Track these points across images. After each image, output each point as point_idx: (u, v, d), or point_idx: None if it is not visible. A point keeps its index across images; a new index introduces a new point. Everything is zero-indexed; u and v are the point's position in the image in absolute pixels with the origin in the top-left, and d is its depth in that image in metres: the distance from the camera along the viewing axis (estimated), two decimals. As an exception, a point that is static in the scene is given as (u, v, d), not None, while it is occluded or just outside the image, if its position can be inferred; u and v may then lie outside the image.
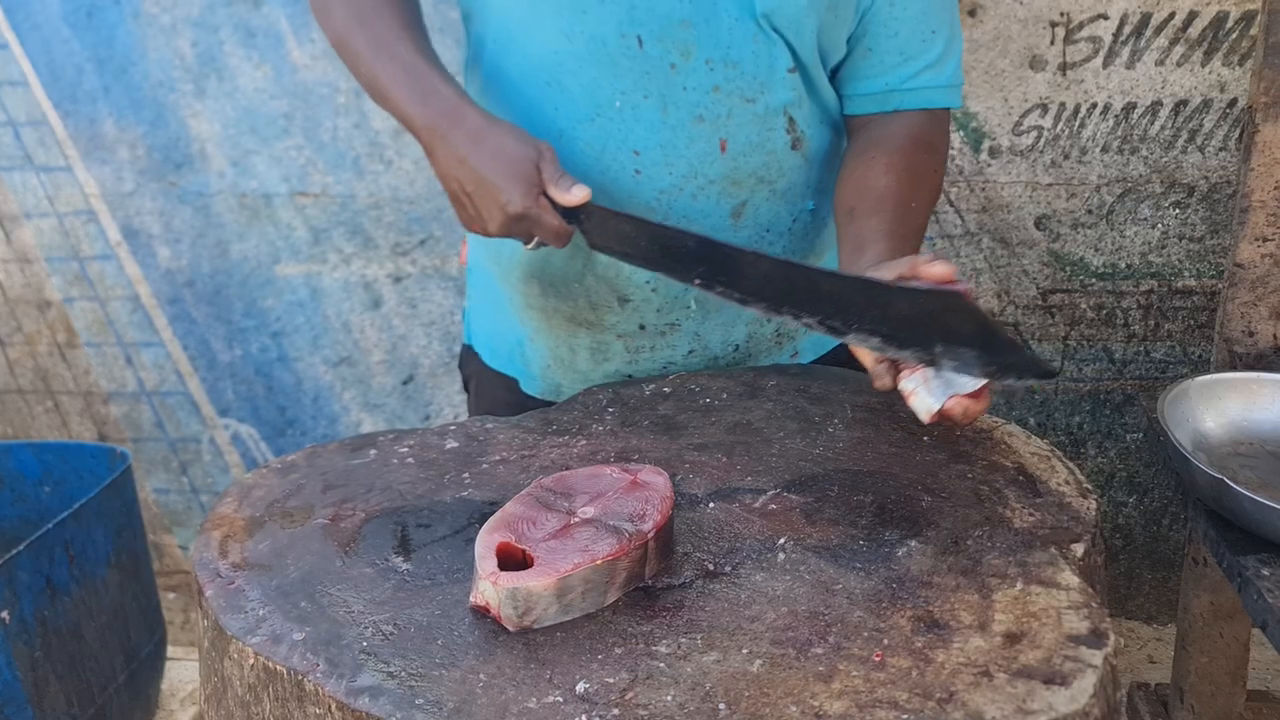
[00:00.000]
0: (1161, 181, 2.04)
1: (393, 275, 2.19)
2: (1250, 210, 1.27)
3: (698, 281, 1.03)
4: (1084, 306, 2.13)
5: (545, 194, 1.02)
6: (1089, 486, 0.98)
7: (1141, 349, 2.13)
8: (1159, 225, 2.07)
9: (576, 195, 1.01)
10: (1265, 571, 0.97)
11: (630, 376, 1.24)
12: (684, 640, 0.80)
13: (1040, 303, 2.14)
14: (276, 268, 2.20)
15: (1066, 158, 2.04)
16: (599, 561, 0.81)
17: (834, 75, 1.16)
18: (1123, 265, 2.10)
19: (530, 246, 1.07)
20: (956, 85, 1.16)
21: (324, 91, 2.06)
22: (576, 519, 0.87)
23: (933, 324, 0.94)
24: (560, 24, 1.06)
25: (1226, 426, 1.13)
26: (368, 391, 2.26)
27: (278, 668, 0.79)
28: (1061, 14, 1.95)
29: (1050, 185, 2.06)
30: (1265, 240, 1.27)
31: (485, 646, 0.79)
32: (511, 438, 1.11)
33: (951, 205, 2.08)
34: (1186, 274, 2.08)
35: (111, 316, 2.27)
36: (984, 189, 2.07)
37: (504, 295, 1.28)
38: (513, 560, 0.83)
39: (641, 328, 1.21)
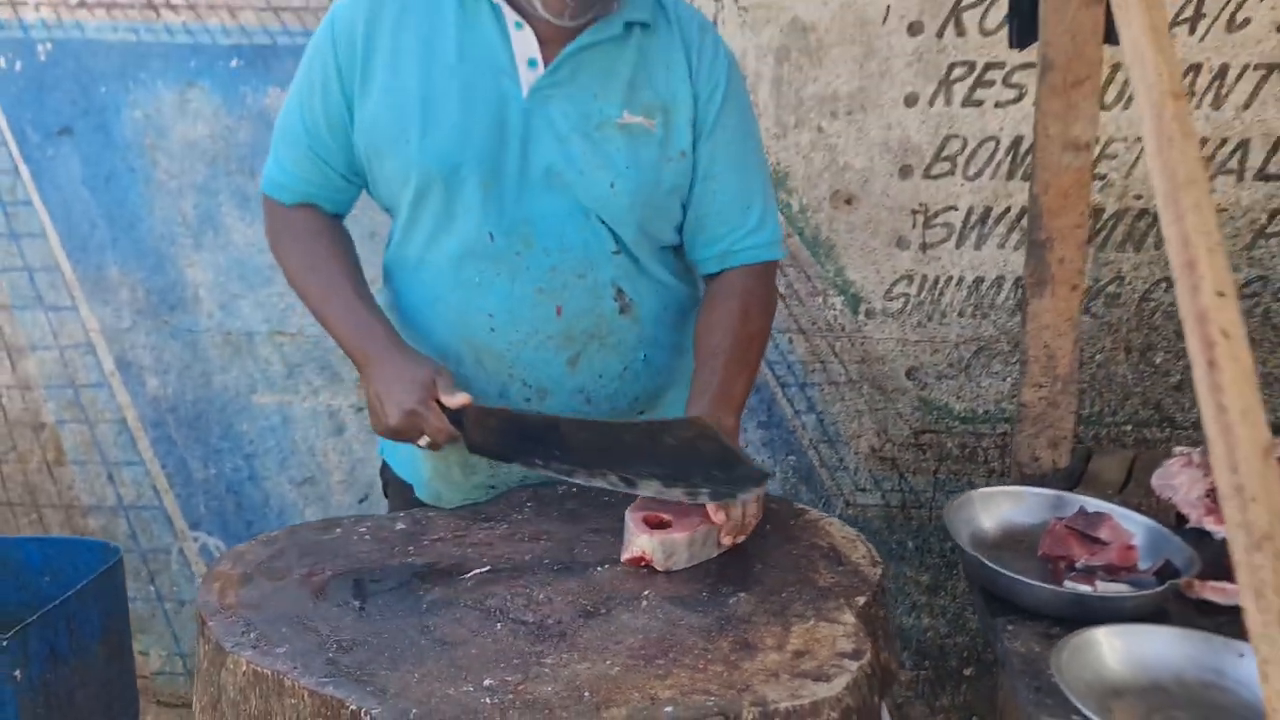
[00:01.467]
0: (1008, 341, 2.44)
1: (355, 405, 2.50)
2: (1028, 363, 1.64)
3: (538, 462, 1.37)
4: (950, 445, 2.50)
5: (437, 401, 1.33)
6: (879, 559, 1.31)
7: (1000, 482, 2.48)
8: (1008, 378, 2.46)
9: (458, 399, 1.33)
10: (1010, 626, 1.29)
11: (493, 488, 1.54)
12: (564, 655, 1.10)
13: (913, 441, 2.50)
14: (253, 397, 2.51)
15: (930, 319, 2.44)
16: (703, 526, 1.27)
17: (686, 250, 1.52)
18: (980, 411, 2.48)
19: (421, 444, 1.37)
20: (776, 241, 1.51)
21: (305, 248, 2.42)
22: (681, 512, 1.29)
23: (691, 453, 1.26)
24: (430, 226, 1.42)
25: (999, 526, 1.47)
26: (328, 508, 2.54)
27: (264, 671, 1.07)
28: (920, 204, 2.39)
29: (917, 342, 2.46)
30: (1040, 386, 1.64)
31: (419, 657, 1.09)
32: (448, 523, 1.42)
33: (836, 357, 2.46)
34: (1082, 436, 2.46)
35: (99, 438, 2.55)
36: (862, 344, 2.46)
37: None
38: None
39: None
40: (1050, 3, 1.53)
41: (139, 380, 2.51)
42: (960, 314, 2.44)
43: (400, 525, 1.41)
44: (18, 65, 2.34)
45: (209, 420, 2.53)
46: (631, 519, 1.29)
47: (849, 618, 1.17)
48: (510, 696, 1.02)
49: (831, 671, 1.06)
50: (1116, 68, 2.22)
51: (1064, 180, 1.57)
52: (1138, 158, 2.31)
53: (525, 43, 1.37)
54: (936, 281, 2.43)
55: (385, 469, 1.67)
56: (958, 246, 2.40)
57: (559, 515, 1.44)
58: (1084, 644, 1.16)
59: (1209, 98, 2.25)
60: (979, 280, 2.42)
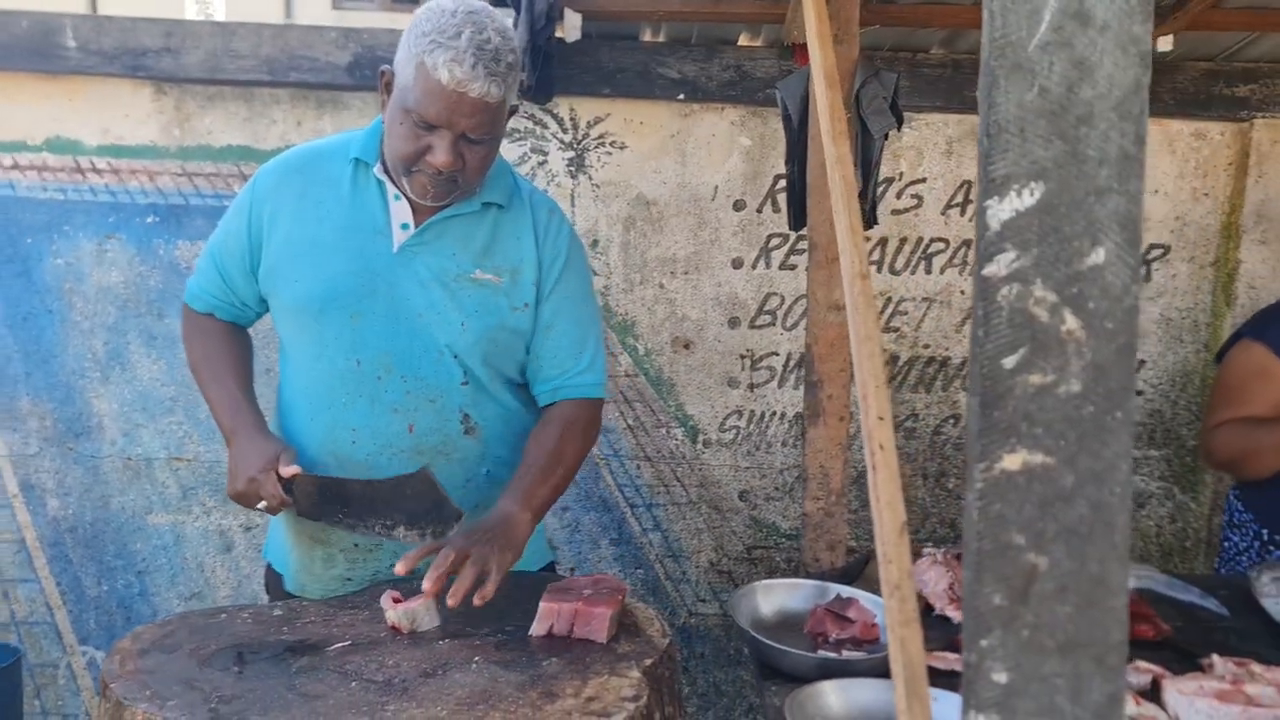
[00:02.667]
0: (800, 476, 2.83)
1: (243, 525, 2.75)
2: (808, 480, 2.02)
3: (338, 519, 1.68)
4: (778, 559, 2.85)
5: (276, 471, 1.61)
6: (668, 632, 1.63)
7: (822, 593, 2.83)
8: (826, 499, 2.84)
9: (288, 470, 1.61)
10: (773, 687, 1.61)
11: (349, 580, 1.82)
12: (404, 704, 1.39)
13: (746, 555, 2.85)
14: (149, 517, 2.73)
15: (758, 449, 2.83)
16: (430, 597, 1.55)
17: (529, 385, 1.87)
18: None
19: (259, 508, 1.64)
20: (599, 383, 1.83)
21: (205, 382, 2.71)
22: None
23: (413, 498, 1.61)
24: (310, 350, 1.74)
25: (776, 611, 1.81)
26: (213, 622, 2.74)
27: (158, 718, 1.33)
28: (748, 350, 2.80)
29: (748, 468, 2.83)
30: (818, 499, 2.01)
31: (285, 707, 1.36)
32: (319, 609, 1.70)
33: (678, 481, 2.82)
34: (856, 538, 2.83)
35: (-2, 556, 2.74)
36: (700, 470, 2.82)
37: (279, 522, 1.87)
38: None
39: (356, 545, 1.80)
40: (813, 198, 1.97)
41: (41, 502, 2.72)
42: (784, 444, 2.83)
43: (277, 611, 1.68)
44: (-50, 217, 2.62)
45: (105, 540, 2.74)
46: (385, 599, 1.61)
47: (636, 674, 1.49)
48: (356, 732, 1.30)
49: (613, 710, 1.37)
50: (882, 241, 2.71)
51: (829, 334, 1.98)
52: (924, 314, 2.78)
53: (401, 211, 1.71)
54: (763, 416, 2.82)
55: (268, 569, 1.94)
56: (780, 386, 2.81)
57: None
58: (814, 693, 1.49)
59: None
60: (799, 415, 2.82)
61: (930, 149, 2.73)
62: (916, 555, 2.02)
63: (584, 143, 2.68)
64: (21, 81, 2.59)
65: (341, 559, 1.79)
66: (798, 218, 2.07)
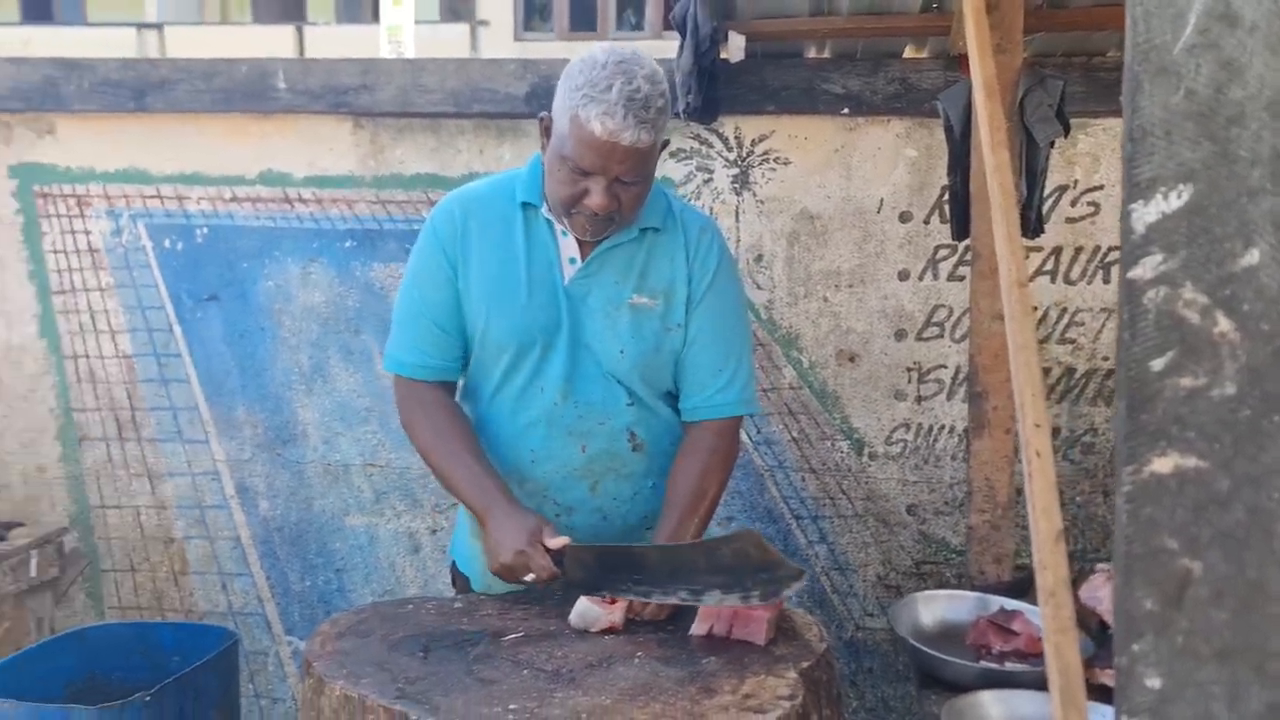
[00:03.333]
0: (966, 488, 2.77)
1: (431, 528, 2.94)
2: (973, 493, 2.00)
3: (623, 588, 1.67)
4: (948, 575, 2.81)
5: (542, 543, 1.66)
6: (824, 637, 1.66)
7: (995, 611, 2.77)
8: (999, 515, 2.78)
9: (559, 541, 1.66)
10: (932, 696, 1.61)
11: (530, 587, 1.88)
12: (571, 692, 1.48)
13: (914, 570, 2.82)
14: (346, 519, 2.96)
15: (926, 462, 2.80)
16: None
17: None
18: (975, 545, 2.80)
19: (528, 580, 1.68)
20: (741, 401, 1.85)
21: (396, 394, 2.92)
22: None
23: (741, 561, 1.63)
24: (496, 380, 1.84)
25: (937, 622, 1.80)
26: (402, 618, 2.94)
27: (352, 694, 1.47)
28: (915, 362, 2.79)
29: (915, 482, 2.81)
30: (983, 512, 1.99)
31: (464, 689, 1.48)
32: (494, 604, 1.81)
33: (844, 494, 2.83)
34: (1023, 554, 2.76)
35: (217, 552, 3.02)
36: (866, 483, 2.82)
37: (465, 526, 1.98)
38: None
39: None
40: (976, 208, 1.96)
41: (253, 503, 2.99)
42: (953, 458, 2.79)
43: (458, 604, 1.81)
44: (179, 245, 2.93)
45: (308, 539, 2.98)
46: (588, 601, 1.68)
47: (792, 674, 1.53)
48: (527, 716, 1.40)
49: (769, 708, 1.42)
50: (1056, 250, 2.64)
51: (994, 344, 1.96)
52: (1102, 325, 2.69)
53: (569, 246, 1.81)
54: (931, 429, 2.79)
55: (453, 568, 2.07)
56: (949, 399, 2.78)
57: (582, 602, 1.83)
58: (974, 702, 1.49)
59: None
60: (969, 429, 2.78)
61: (1107, 154, 2.65)
62: (1090, 572, 1.97)
63: (748, 160, 2.74)
64: (239, 122, 2.87)
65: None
66: (960, 228, 2.06)
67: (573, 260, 1.81)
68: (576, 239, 1.80)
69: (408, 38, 2.86)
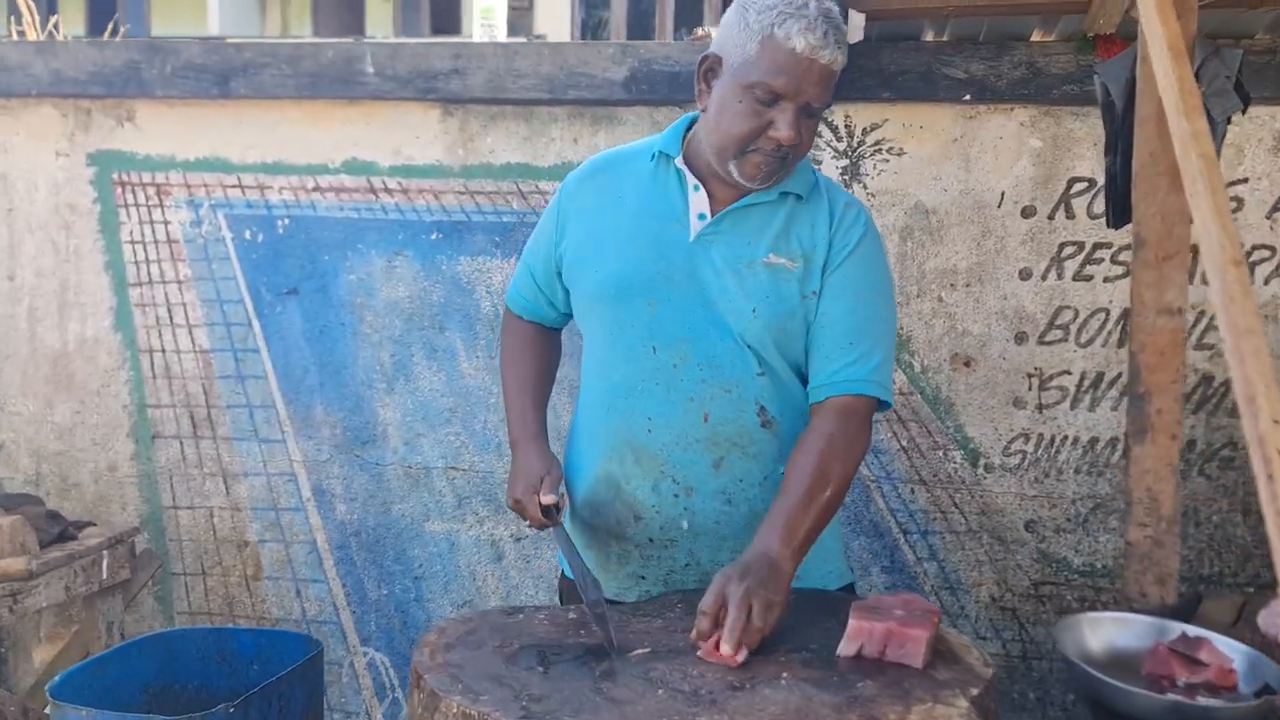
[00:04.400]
0: (1124, 499, 2.57)
1: (514, 535, 2.79)
2: (1133, 505, 1.81)
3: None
4: (1069, 598, 2.61)
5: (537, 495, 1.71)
6: (989, 661, 1.48)
7: (1121, 637, 2.57)
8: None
9: (547, 499, 1.70)
10: (1114, 730, 1.43)
11: (643, 578, 1.77)
12: (715, 715, 1.31)
13: (1033, 592, 2.63)
14: (426, 525, 2.83)
15: (1047, 476, 2.61)
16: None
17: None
18: (1099, 565, 2.60)
19: (526, 527, 1.79)
20: (872, 381, 1.66)
21: (480, 394, 2.78)
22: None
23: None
24: (607, 339, 1.73)
25: (1105, 648, 1.61)
26: (483, 630, 2.79)
27: (472, 712, 1.32)
28: (1036, 368, 2.60)
29: (1035, 497, 2.62)
30: (1144, 526, 1.80)
31: (595, 710, 1.32)
32: (615, 614, 1.66)
33: (956, 508, 2.64)
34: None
35: (292, 557, 2.90)
36: (981, 496, 2.63)
37: (575, 520, 1.85)
38: None
39: (650, 540, 1.75)
40: (1141, 189, 1.78)
41: (330, 506, 2.86)
42: (1076, 471, 2.60)
43: (572, 614, 1.66)
44: (260, 237, 2.83)
45: (386, 545, 2.85)
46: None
47: (963, 703, 1.35)
48: (671, 740, 1.24)
49: (946, 739, 1.24)
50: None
51: (1159, 340, 1.78)
52: (1244, 330, 2.48)
53: (699, 201, 1.70)
54: (1053, 440, 2.60)
55: (564, 581, 1.92)
56: (1072, 408, 2.59)
57: (706, 615, 1.66)
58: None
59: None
60: (1094, 440, 2.59)
61: (1253, 145, 2.45)
62: (1269, 597, 1.77)
63: (859, 150, 2.58)
64: (324, 108, 2.76)
65: (636, 555, 1.77)
66: (1119, 214, 1.88)
67: (702, 216, 1.70)
68: (711, 195, 1.70)
69: (500, 20, 2.75)
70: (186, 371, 2.90)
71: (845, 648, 1.49)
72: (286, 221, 2.81)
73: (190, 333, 2.89)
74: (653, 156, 1.74)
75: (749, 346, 1.68)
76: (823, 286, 1.68)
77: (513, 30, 13.88)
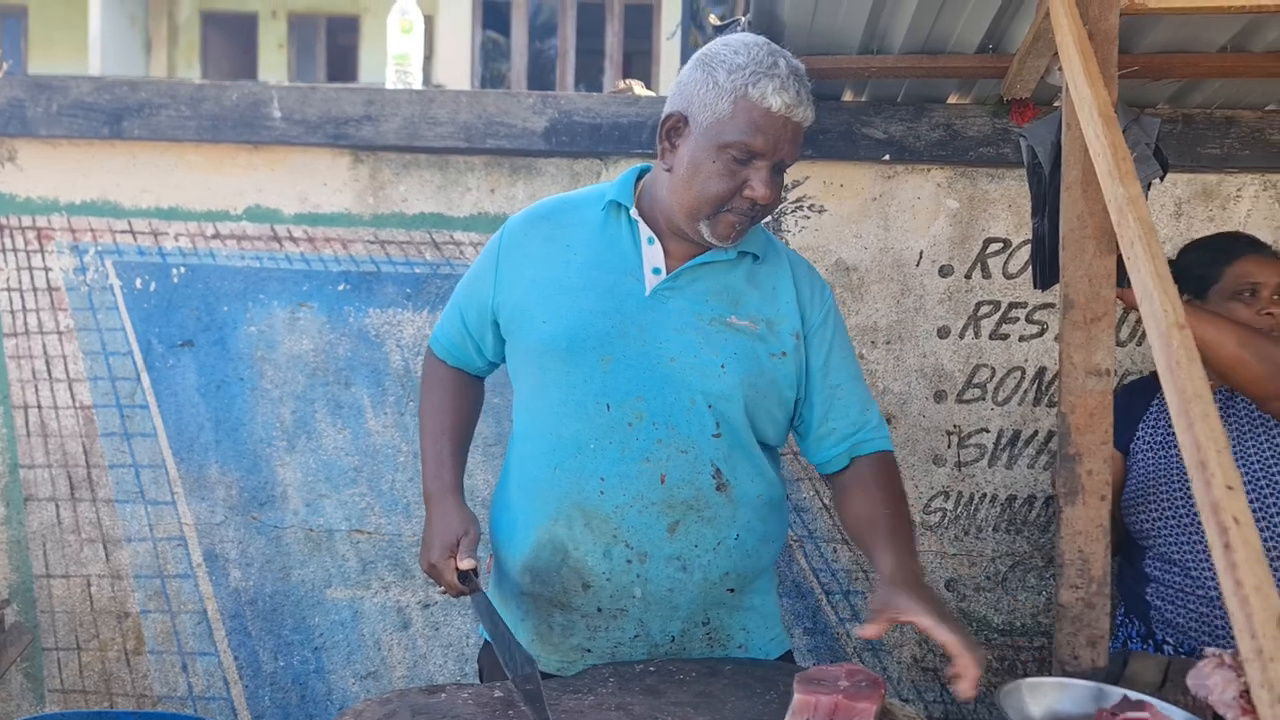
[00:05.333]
0: (1042, 557, 2.59)
1: (423, 603, 2.65)
2: (1064, 567, 1.80)
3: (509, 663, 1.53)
4: (990, 658, 2.59)
5: (454, 560, 1.62)
6: (937, 733, 1.43)
7: (1040, 696, 2.56)
8: (1043, 592, 2.59)
9: (463, 564, 1.61)
10: (1064, 803, 1.39)
11: (589, 650, 1.68)
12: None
13: (954, 652, 2.60)
14: (327, 591, 2.66)
15: (966, 534, 2.61)
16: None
17: (809, 452, 1.74)
18: (1018, 624, 2.59)
19: (439, 593, 1.68)
20: (889, 437, 1.75)
21: (388, 452, 2.65)
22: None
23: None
24: (556, 396, 1.64)
25: (1046, 714, 1.58)
26: (388, 703, 2.63)
27: (395, 809, 1.20)
28: (955, 425, 2.61)
29: (954, 555, 2.61)
30: (1076, 588, 1.79)
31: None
32: (545, 692, 1.55)
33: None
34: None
35: (179, 628, 2.69)
36: (903, 555, 2.61)
37: (509, 587, 1.75)
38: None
39: (599, 610, 1.67)
40: (1069, 252, 1.79)
41: (223, 572, 2.68)
42: (995, 529, 2.60)
43: (498, 693, 1.55)
44: (152, 285, 2.66)
45: (284, 613, 2.67)
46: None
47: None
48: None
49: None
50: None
51: (1089, 402, 1.78)
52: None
53: (654, 255, 1.65)
54: (972, 498, 2.61)
55: (485, 649, 1.80)
56: (990, 465, 2.60)
57: (640, 689, 1.57)
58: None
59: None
60: (1012, 498, 2.60)
61: (1156, 210, 2.53)
62: (1199, 656, 1.77)
63: (782, 206, 2.57)
64: (226, 152, 2.63)
65: (582, 625, 1.67)
66: (1045, 275, 1.90)
67: (657, 270, 1.65)
68: (666, 250, 1.66)
69: (416, 67, 2.66)
70: (65, 429, 2.69)
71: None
72: (182, 270, 2.65)
73: (70, 387, 2.69)
74: (604, 206, 1.69)
75: (709, 406, 1.63)
76: (812, 353, 1.70)
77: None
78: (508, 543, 1.73)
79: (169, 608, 2.70)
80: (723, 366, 1.62)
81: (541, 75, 12.77)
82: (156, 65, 15.08)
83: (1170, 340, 1.31)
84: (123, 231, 2.66)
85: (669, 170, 1.62)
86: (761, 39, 1.60)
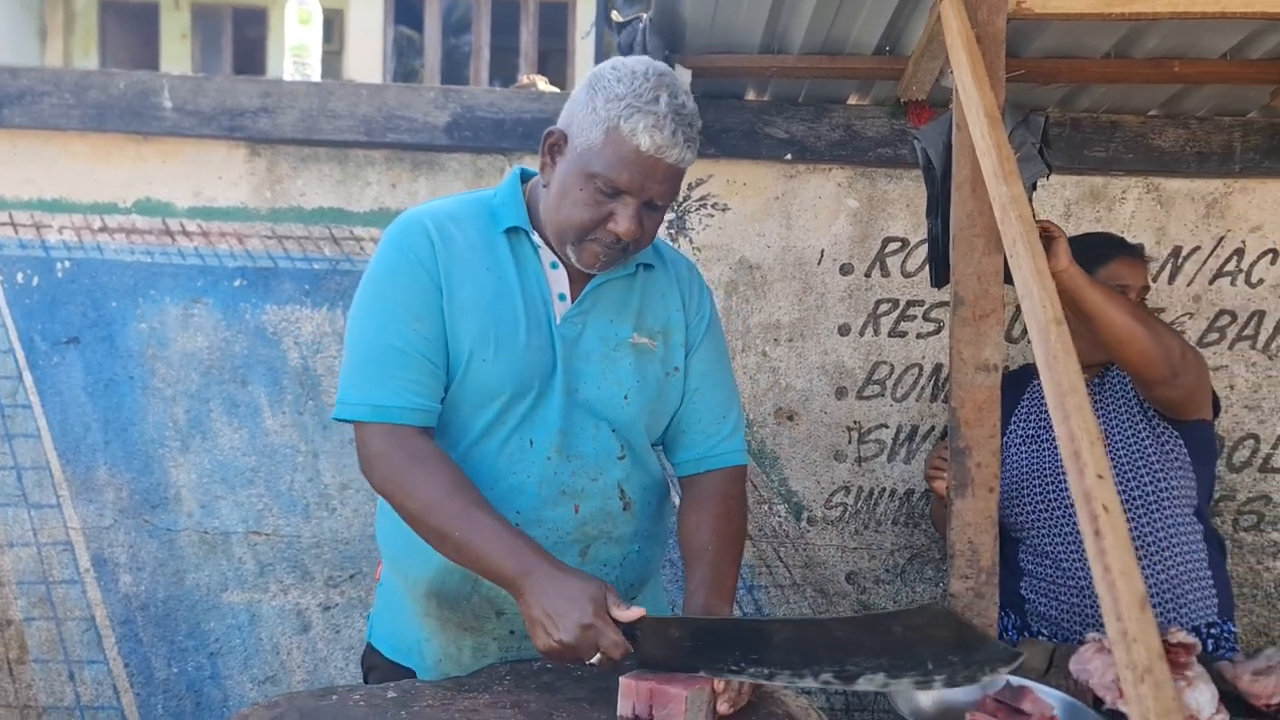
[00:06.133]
0: (939, 550, 2.64)
1: (323, 604, 2.60)
2: (955, 558, 1.84)
3: (733, 668, 1.37)
4: (889, 648, 2.64)
5: (610, 614, 1.38)
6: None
7: (937, 685, 2.62)
8: (940, 584, 2.65)
9: (633, 613, 1.38)
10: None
11: (505, 660, 1.65)
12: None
13: (855, 644, 2.65)
14: (223, 595, 2.59)
15: (866, 527, 2.65)
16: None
17: (665, 450, 1.75)
18: (916, 615, 2.65)
19: (593, 661, 1.38)
20: (744, 448, 1.74)
21: (286, 452, 2.59)
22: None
23: (921, 639, 1.41)
24: (477, 432, 1.59)
25: (936, 703, 1.62)
26: (287, 709, 2.57)
27: (278, 814, 1.17)
28: (855, 422, 2.65)
29: (855, 549, 2.65)
30: (966, 578, 1.83)
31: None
32: (435, 692, 1.53)
33: (781, 561, 2.64)
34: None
35: (65, 636, 2.59)
36: (805, 549, 2.65)
37: (408, 606, 1.69)
38: None
39: (512, 633, 1.65)
40: (959, 250, 1.83)
41: (113, 577, 2.59)
42: (894, 523, 2.66)
43: (391, 694, 1.52)
44: (35, 280, 2.55)
45: (177, 619, 2.59)
46: (635, 685, 1.39)
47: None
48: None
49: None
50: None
51: (977, 396, 1.83)
52: (1043, 384, 2.62)
53: (558, 280, 1.61)
54: (872, 492, 2.65)
55: (372, 653, 1.76)
56: (889, 460, 2.65)
57: (536, 687, 1.56)
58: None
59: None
60: (910, 492, 2.65)
61: (1047, 211, 2.61)
62: (1080, 641, 1.83)
63: (685, 204, 2.58)
64: (114, 143, 2.54)
65: (495, 648, 1.65)
66: (940, 274, 1.94)
67: (562, 297, 1.62)
68: (569, 273, 1.61)
69: (314, 59, 2.60)
70: (-58, 430, 2.57)
71: (621, 707, 1.42)
72: (67, 264, 2.55)
73: (-52, 386, 2.57)
74: (504, 230, 1.61)
75: (614, 431, 1.63)
76: (687, 365, 1.69)
77: (324, 73, 13.54)
78: (406, 559, 1.65)
79: (54, 614, 2.59)
80: (625, 398, 1.62)
81: (455, 72, 12.62)
82: (52, 54, 14.50)
83: (1049, 335, 1.35)
84: (3, 224, 2.55)
85: (546, 186, 1.58)
86: (657, 67, 1.53)
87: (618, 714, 1.41)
